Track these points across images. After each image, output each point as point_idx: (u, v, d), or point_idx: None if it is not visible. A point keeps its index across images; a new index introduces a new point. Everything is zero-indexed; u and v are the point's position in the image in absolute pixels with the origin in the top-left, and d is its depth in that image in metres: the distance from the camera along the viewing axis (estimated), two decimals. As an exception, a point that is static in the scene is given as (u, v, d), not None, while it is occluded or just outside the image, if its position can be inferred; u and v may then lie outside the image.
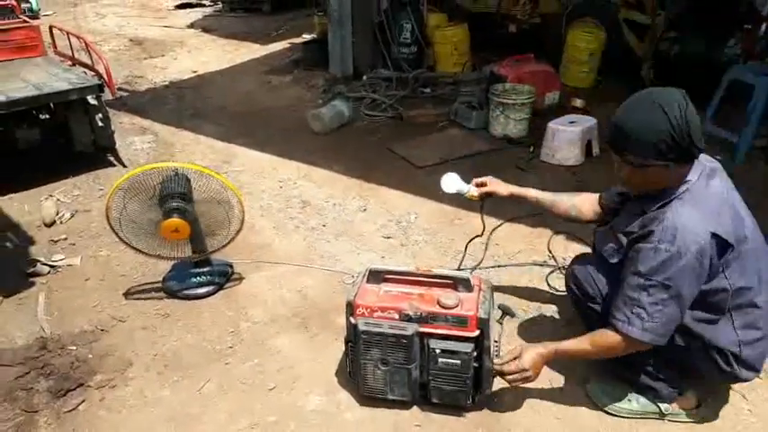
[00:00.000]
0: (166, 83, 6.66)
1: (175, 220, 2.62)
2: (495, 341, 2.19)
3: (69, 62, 5.10)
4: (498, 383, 2.16)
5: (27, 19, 5.31)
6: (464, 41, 6.33)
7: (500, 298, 2.75)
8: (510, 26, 6.75)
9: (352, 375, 2.25)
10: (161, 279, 3.01)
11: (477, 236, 2.81)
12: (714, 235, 1.75)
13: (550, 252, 3.20)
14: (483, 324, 2.01)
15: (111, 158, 4.55)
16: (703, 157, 1.90)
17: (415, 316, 2.04)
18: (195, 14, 10.64)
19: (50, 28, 5.34)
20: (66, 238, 3.47)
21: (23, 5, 8.24)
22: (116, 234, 2.76)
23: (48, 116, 4.35)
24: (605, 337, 1.91)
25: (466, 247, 2.98)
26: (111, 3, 11.67)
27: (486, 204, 2.62)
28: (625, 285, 1.87)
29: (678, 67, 5.34)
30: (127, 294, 2.96)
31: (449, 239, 3.37)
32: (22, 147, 4.13)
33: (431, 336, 2.05)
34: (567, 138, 4.28)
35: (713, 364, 1.96)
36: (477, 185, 2.53)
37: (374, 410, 2.23)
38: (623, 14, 5.89)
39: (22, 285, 3.03)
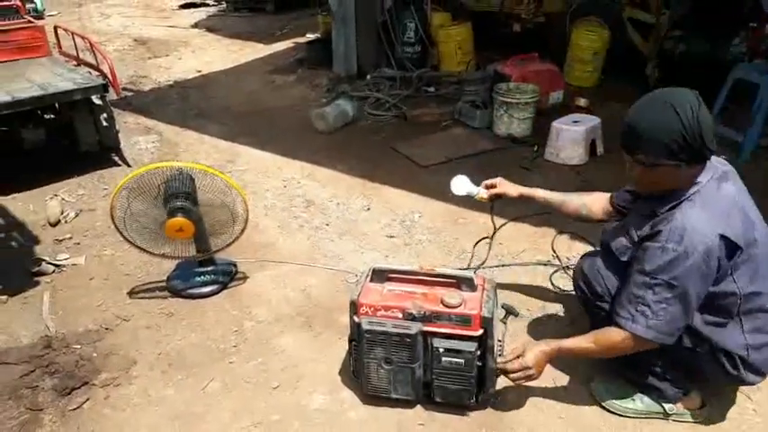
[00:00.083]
0: (171, 82, 6.68)
1: (180, 220, 2.63)
2: (499, 340, 2.19)
3: (74, 62, 5.12)
4: (502, 382, 2.16)
5: (32, 19, 5.33)
6: (468, 40, 6.32)
7: (504, 297, 2.75)
8: (514, 25, 6.75)
9: (355, 374, 2.25)
10: (165, 278, 3.02)
11: (487, 237, 2.82)
12: (722, 237, 1.74)
13: (554, 251, 3.19)
14: (486, 323, 2.01)
15: (116, 158, 4.56)
16: (716, 159, 1.91)
17: (419, 315, 2.04)
18: (199, 14, 10.66)
19: (55, 28, 5.37)
20: (70, 238, 3.48)
21: (28, 6, 8.28)
22: (120, 233, 2.77)
23: (53, 116, 4.37)
24: (609, 335, 1.91)
25: (474, 247, 2.98)
26: (115, 3, 11.71)
27: (488, 206, 2.63)
28: (630, 283, 1.87)
29: (683, 66, 5.33)
30: (131, 293, 2.97)
31: (453, 239, 3.37)
32: (28, 147, 4.15)
33: (434, 335, 2.05)
34: (571, 137, 4.27)
35: (720, 366, 1.95)
36: (487, 187, 2.55)
37: (377, 409, 2.23)
38: (628, 13, 5.88)
39: (27, 284, 3.04)
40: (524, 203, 2.62)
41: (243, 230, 2.88)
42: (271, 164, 4.49)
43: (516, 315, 2.68)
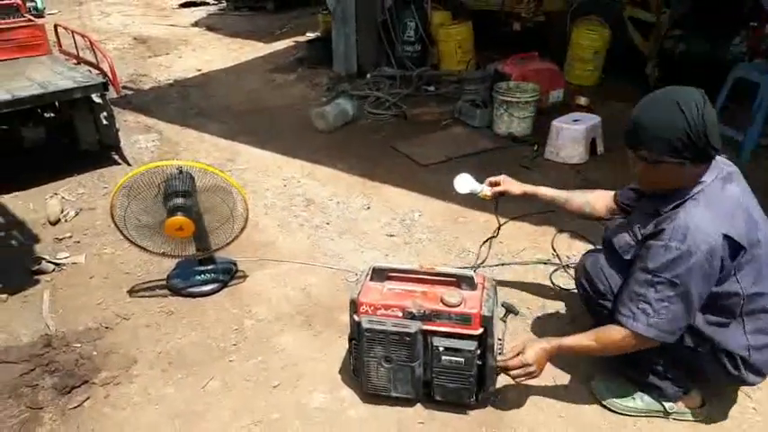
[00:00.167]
0: (171, 81, 6.68)
1: (179, 218, 2.62)
2: (499, 339, 2.19)
3: (74, 61, 5.12)
4: (502, 381, 2.16)
5: (32, 18, 5.34)
6: (468, 39, 6.32)
7: (504, 296, 2.75)
8: (514, 24, 6.75)
9: (355, 373, 2.25)
10: (165, 277, 3.02)
11: (492, 236, 2.82)
12: (726, 237, 1.74)
13: (554, 250, 3.19)
14: (486, 322, 2.01)
15: (116, 157, 4.56)
16: (721, 160, 1.91)
17: (419, 314, 2.04)
18: (199, 13, 10.67)
19: (55, 27, 5.36)
20: (70, 236, 3.48)
21: (29, 4, 8.30)
22: (120, 232, 2.77)
23: (53, 115, 4.37)
24: (610, 333, 1.91)
25: (481, 246, 2.98)
26: (115, 1, 11.71)
27: (489, 205, 2.64)
28: (632, 281, 1.87)
29: (683, 66, 5.34)
30: (131, 292, 2.97)
31: (453, 237, 3.37)
32: (28, 145, 4.14)
33: (434, 333, 2.05)
34: (571, 136, 4.27)
35: (721, 366, 1.95)
36: (491, 184, 2.55)
37: (377, 408, 2.23)
38: (628, 12, 5.88)
39: (27, 283, 3.04)
40: (526, 202, 2.62)
41: (243, 229, 2.88)
42: (271, 163, 4.49)
43: (516, 314, 2.68)
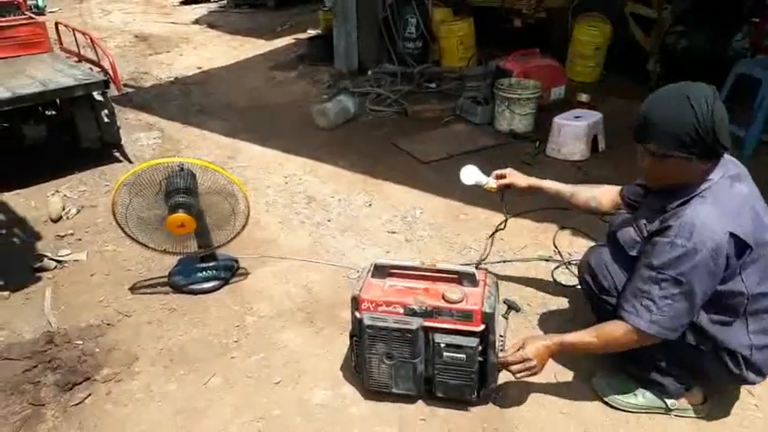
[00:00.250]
0: (172, 79, 6.68)
1: (181, 215, 2.63)
2: (501, 336, 2.18)
3: (75, 58, 5.11)
4: (503, 378, 2.16)
5: (33, 15, 5.34)
6: (469, 36, 6.31)
7: (505, 293, 2.75)
8: (515, 21, 6.73)
9: (357, 370, 2.25)
10: (167, 274, 3.02)
11: (500, 228, 2.81)
12: (732, 235, 1.73)
13: (556, 247, 3.19)
14: (488, 318, 2.01)
15: (117, 154, 4.56)
16: (730, 159, 1.90)
17: (420, 310, 2.04)
18: (200, 10, 10.66)
19: (56, 24, 5.36)
20: (72, 234, 3.48)
21: (29, 2, 8.30)
22: (122, 229, 2.77)
23: (54, 112, 4.37)
24: (612, 329, 1.91)
25: (488, 239, 2.98)
26: (116, -1, 11.71)
27: (490, 201, 2.63)
28: (637, 277, 1.87)
29: (685, 62, 5.32)
30: (133, 289, 2.97)
31: (454, 234, 3.37)
32: (29, 143, 4.15)
33: (436, 330, 2.05)
34: (572, 132, 4.26)
35: (722, 365, 1.95)
36: (497, 177, 2.56)
37: (379, 405, 2.23)
38: (629, 8, 5.86)
39: (28, 280, 3.05)
40: (531, 198, 2.61)
41: (244, 226, 2.88)
42: (272, 160, 4.49)
43: (518, 310, 2.68)
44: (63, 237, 3.45)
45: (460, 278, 2.12)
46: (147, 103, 5.82)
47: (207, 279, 2.94)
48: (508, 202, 2.66)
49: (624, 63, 5.78)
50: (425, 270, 2.16)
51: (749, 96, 4.22)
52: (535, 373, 2.01)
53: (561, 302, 2.77)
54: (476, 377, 2.07)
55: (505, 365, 2.03)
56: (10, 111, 3.86)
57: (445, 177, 3.93)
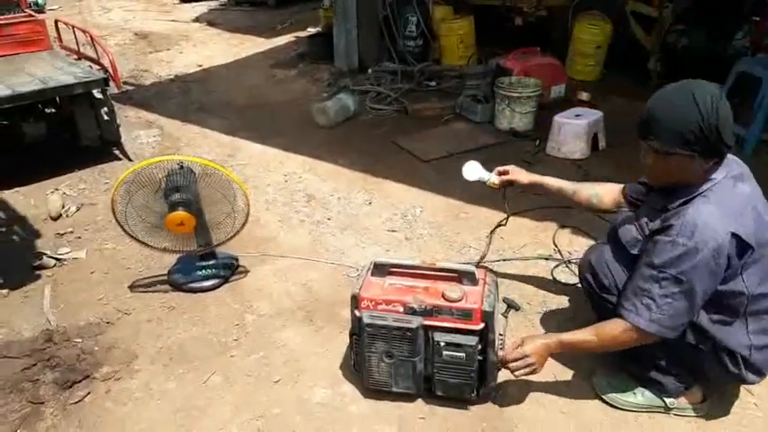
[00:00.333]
0: (172, 77, 6.66)
1: (181, 213, 2.63)
2: (501, 334, 2.18)
3: (75, 56, 5.11)
4: (503, 376, 2.16)
5: (33, 13, 5.32)
6: (470, 34, 6.30)
7: (505, 291, 2.74)
8: (516, 19, 6.71)
9: (356, 368, 2.25)
10: (166, 272, 3.02)
11: (501, 224, 2.81)
12: (734, 235, 1.73)
13: (556, 246, 3.18)
14: (487, 317, 2.00)
15: (117, 152, 4.56)
16: (734, 160, 1.90)
17: (420, 309, 2.04)
18: (200, 8, 10.63)
19: (56, 22, 5.35)
20: (71, 232, 3.48)
21: (29, 0, 8.25)
22: (121, 227, 2.77)
23: (53, 110, 4.37)
24: (611, 328, 1.90)
25: (489, 236, 2.97)
26: (116, -3, 11.68)
27: (490, 200, 2.63)
28: (637, 276, 1.87)
29: (686, 60, 5.32)
30: (132, 287, 2.97)
31: (454, 233, 3.36)
32: (29, 141, 4.15)
33: (435, 329, 2.05)
34: (573, 131, 4.25)
35: (721, 364, 1.95)
36: (500, 174, 2.57)
37: (379, 403, 2.23)
38: (630, 7, 5.85)
39: (28, 278, 3.05)
40: (529, 197, 2.61)
41: (244, 225, 2.88)
42: (272, 158, 4.48)
43: (517, 309, 2.67)
44: (62, 235, 3.45)
45: (460, 277, 2.12)
46: (146, 101, 5.81)
47: (206, 277, 2.94)
48: (509, 199, 2.66)
49: (625, 62, 5.77)
50: (425, 269, 2.16)
51: (750, 95, 4.21)
52: (535, 372, 2.01)
53: (561, 301, 2.77)
54: (475, 376, 2.07)
55: (505, 364, 2.03)
56: (10, 108, 3.86)
57: (445, 176, 3.93)
